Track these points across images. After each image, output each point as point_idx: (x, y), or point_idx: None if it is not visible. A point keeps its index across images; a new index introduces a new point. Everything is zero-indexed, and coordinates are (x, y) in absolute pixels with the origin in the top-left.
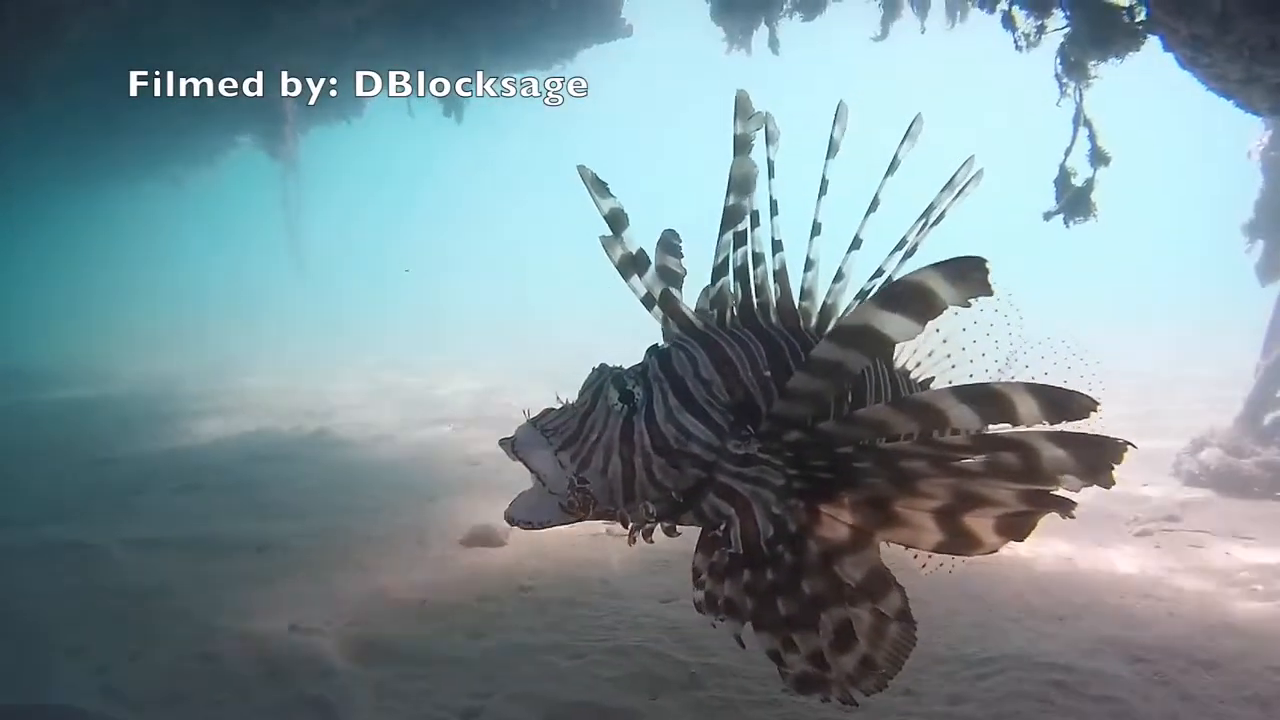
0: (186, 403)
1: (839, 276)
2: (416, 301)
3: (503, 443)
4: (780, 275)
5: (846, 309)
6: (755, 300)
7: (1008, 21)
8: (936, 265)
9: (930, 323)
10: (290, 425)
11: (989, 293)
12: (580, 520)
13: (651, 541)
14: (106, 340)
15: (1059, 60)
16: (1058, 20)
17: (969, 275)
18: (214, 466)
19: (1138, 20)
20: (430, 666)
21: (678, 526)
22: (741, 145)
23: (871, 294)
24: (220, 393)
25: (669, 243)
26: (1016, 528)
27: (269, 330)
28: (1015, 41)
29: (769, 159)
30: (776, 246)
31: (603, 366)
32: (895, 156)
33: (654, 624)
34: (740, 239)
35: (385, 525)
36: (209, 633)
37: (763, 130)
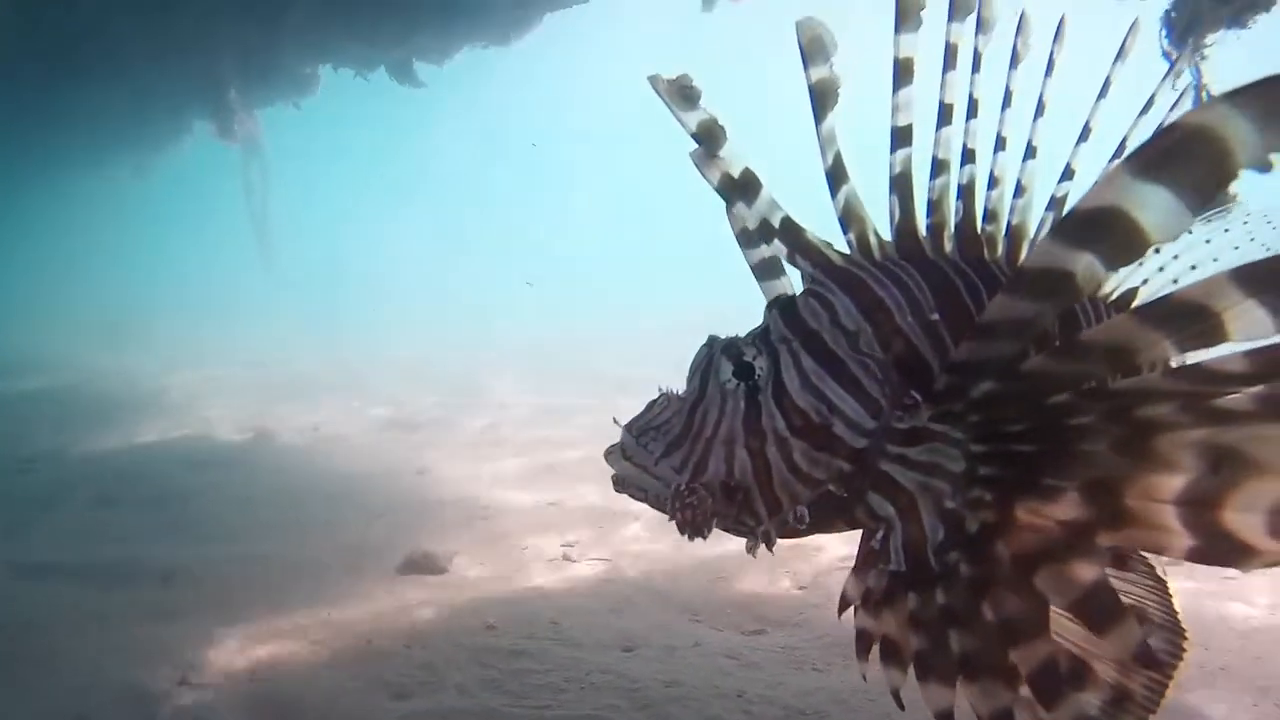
0: (131, 399)
1: (1019, 191)
2: (390, 293)
3: (609, 454)
4: (967, 191)
5: (1038, 229)
6: (923, 222)
7: None
8: (1227, 96)
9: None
10: (234, 426)
11: None
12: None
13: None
14: (64, 332)
15: None
16: None
17: None
18: (140, 475)
19: None
20: None
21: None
22: None
23: (1125, 156)
24: (169, 388)
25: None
26: None
27: (232, 323)
28: None
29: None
30: (967, 157)
31: (712, 339)
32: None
33: (611, 684)
34: (903, 136)
35: (316, 548)
36: (82, 687)
37: None
